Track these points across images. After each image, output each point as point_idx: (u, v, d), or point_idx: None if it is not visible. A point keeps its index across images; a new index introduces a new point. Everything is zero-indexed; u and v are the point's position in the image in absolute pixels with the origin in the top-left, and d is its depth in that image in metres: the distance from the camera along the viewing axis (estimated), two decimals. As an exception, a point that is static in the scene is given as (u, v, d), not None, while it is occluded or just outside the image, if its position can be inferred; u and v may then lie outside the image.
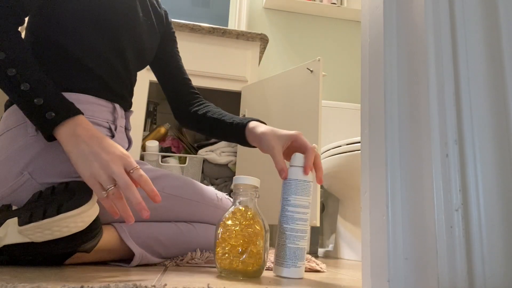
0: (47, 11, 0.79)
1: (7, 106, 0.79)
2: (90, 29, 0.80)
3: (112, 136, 0.82)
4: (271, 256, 0.93)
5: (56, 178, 0.71)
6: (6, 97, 0.90)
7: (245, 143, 0.89)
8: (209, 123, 0.97)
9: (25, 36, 0.82)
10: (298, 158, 0.73)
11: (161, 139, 1.87)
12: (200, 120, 0.99)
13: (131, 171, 0.62)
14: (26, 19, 0.77)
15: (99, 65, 0.81)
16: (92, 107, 0.79)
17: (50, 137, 0.67)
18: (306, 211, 0.70)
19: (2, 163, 0.72)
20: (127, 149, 0.90)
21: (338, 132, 2.01)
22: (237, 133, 0.89)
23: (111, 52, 0.84)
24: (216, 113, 0.97)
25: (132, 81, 0.93)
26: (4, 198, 0.72)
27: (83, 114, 0.68)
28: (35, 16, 0.81)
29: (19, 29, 0.71)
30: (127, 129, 0.92)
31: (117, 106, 0.85)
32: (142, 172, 0.63)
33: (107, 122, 0.82)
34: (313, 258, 0.95)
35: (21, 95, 0.65)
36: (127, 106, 0.90)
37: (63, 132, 0.65)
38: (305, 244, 0.70)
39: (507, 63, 0.42)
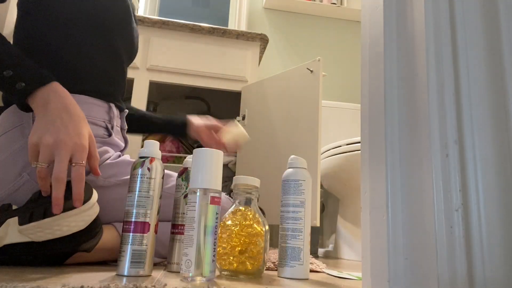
0: (40, 12, 0.79)
1: (2, 109, 0.80)
2: (86, 32, 0.81)
3: (109, 135, 0.83)
4: (271, 256, 0.93)
5: None
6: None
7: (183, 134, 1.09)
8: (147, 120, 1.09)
9: (17, 35, 0.83)
10: (290, 159, 0.74)
11: (161, 140, 1.87)
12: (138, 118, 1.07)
13: (73, 164, 0.61)
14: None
15: (95, 67, 0.83)
16: (88, 107, 0.80)
17: (27, 108, 0.66)
18: (298, 209, 0.70)
19: (0, 165, 0.72)
20: (124, 149, 0.91)
21: (338, 132, 2.01)
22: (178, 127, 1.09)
23: (106, 55, 0.85)
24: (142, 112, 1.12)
25: (125, 82, 0.95)
26: (4, 200, 0.72)
27: (57, 81, 0.66)
28: (27, 17, 0.81)
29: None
30: (122, 129, 0.93)
31: (112, 105, 0.86)
32: (82, 171, 0.61)
33: (104, 122, 0.83)
34: (315, 260, 0.95)
35: None
36: (121, 106, 0.91)
37: (37, 100, 0.64)
38: (299, 243, 0.69)
39: (507, 63, 0.42)
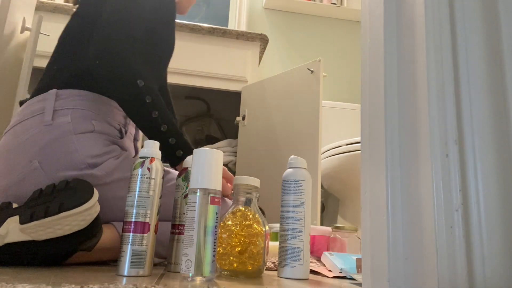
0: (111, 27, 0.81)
1: (23, 102, 0.82)
2: (139, 50, 0.84)
3: (121, 137, 0.85)
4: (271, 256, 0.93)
5: (63, 170, 0.73)
6: (5, 99, 0.92)
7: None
8: None
9: (72, 22, 0.88)
10: (290, 160, 0.74)
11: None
12: None
13: None
14: None
15: None
16: (107, 108, 0.83)
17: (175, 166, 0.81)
18: (298, 209, 0.70)
19: (13, 150, 0.75)
20: (134, 157, 0.92)
21: (338, 132, 2.01)
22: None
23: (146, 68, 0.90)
24: None
25: None
26: (11, 187, 0.73)
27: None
28: (95, 23, 0.84)
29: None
30: (136, 139, 0.95)
31: None
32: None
33: (119, 124, 0.86)
34: (315, 260, 0.95)
35: (160, 135, 0.77)
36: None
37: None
38: (299, 243, 0.69)
39: (507, 63, 0.42)
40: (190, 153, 0.79)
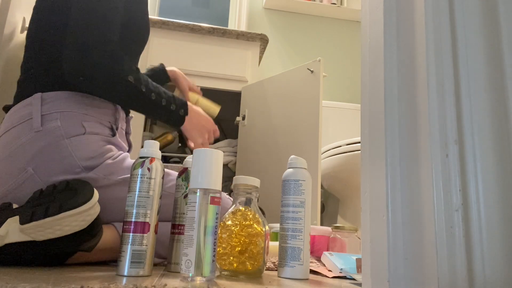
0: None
1: (8, 108, 0.81)
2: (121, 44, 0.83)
3: (113, 135, 0.84)
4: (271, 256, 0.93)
5: (59, 175, 0.72)
6: (5, 100, 0.92)
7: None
8: None
9: (42, 27, 0.83)
10: (290, 160, 0.74)
11: (165, 145, 1.86)
12: None
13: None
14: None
15: None
16: (95, 108, 0.81)
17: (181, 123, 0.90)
18: (298, 209, 0.70)
19: (6, 159, 0.73)
20: (128, 152, 0.92)
21: (338, 132, 2.01)
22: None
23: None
24: None
25: None
26: (7, 195, 0.72)
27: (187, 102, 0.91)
28: (53, 16, 0.82)
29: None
30: (127, 133, 0.94)
31: (118, 107, 0.87)
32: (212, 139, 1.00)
33: (109, 122, 0.84)
34: (315, 260, 0.95)
35: (163, 108, 0.84)
36: (127, 110, 0.92)
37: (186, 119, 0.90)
38: (299, 243, 0.69)
39: (507, 63, 0.42)
40: (187, 107, 0.90)
